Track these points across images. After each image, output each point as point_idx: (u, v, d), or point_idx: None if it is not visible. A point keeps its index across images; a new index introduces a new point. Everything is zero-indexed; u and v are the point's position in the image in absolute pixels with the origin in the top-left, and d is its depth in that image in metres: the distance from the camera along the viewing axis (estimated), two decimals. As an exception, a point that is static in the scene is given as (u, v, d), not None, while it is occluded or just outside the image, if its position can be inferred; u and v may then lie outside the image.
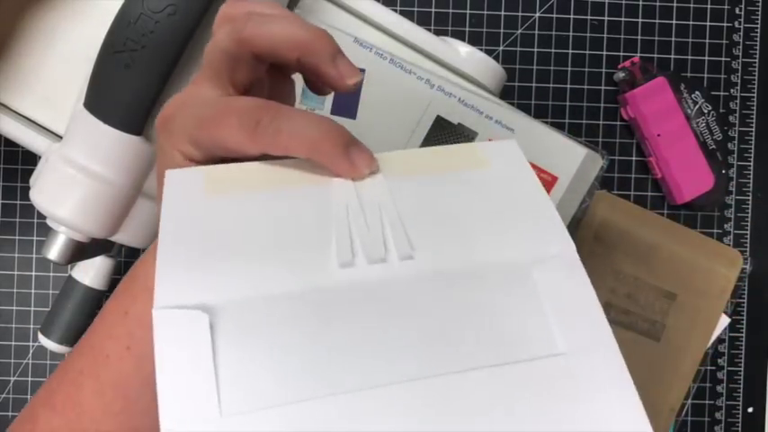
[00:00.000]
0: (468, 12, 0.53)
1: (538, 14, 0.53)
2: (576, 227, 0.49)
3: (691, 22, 0.54)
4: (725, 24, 0.54)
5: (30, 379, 0.52)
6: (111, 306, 0.29)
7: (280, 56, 0.24)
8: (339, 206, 0.23)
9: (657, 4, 0.53)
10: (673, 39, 0.54)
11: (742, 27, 0.54)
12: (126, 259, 0.52)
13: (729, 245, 0.54)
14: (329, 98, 0.41)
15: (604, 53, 0.53)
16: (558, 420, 0.18)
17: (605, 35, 0.53)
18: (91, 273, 0.45)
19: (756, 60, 0.54)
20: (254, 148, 0.22)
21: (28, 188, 0.37)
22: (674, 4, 0.54)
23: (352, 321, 0.19)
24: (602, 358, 0.19)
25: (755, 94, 0.54)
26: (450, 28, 0.53)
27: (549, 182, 0.41)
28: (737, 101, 0.54)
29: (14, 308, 0.52)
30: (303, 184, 0.24)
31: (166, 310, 0.19)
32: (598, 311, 0.21)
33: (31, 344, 0.52)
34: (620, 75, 0.52)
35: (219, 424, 0.17)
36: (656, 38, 0.54)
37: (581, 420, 0.18)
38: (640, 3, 0.53)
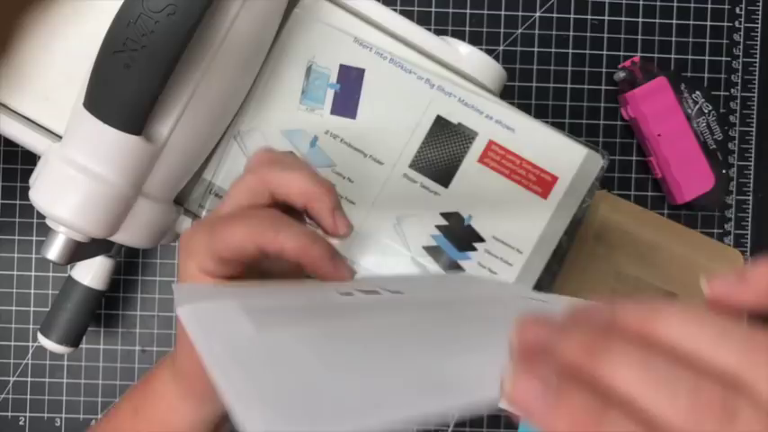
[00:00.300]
0: (468, 12, 0.53)
1: (538, 14, 0.53)
2: (576, 227, 0.49)
3: (691, 22, 0.54)
4: (725, 24, 0.54)
5: (29, 379, 0.52)
6: (123, 404, 0.34)
7: (290, 201, 0.29)
8: (336, 285, 0.26)
9: (658, 3, 0.53)
10: (673, 38, 0.54)
11: (742, 27, 0.54)
12: (126, 259, 0.52)
13: (730, 245, 0.54)
14: (329, 98, 0.41)
15: (604, 53, 0.53)
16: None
17: (605, 35, 0.53)
18: (90, 273, 0.45)
19: (757, 60, 0.54)
20: (253, 246, 0.26)
21: (28, 188, 0.37)
22: (675, 4, 0.53)
23: (348, 313, 0.22)
24: None
25: (756, 94, 0.54)
26: (450, 28, 0.53)
27: (549, 182, 0.41)
28: (738, 101, 0.54)
29: (14, 308, 0.52)
30: (300, 284, 0.28)
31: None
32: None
33: (30, 344, 0.52)
34: (621, 74, 0.52)
35: (257, 337, 0.19)
36: (657, 37, 0.54)
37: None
38: (641, 2, 0.53)
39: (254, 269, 0.29)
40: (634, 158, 0.54)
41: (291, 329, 0.20)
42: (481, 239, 0.41)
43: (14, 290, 0.52)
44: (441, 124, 0.41)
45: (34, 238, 0.52)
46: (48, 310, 0.46)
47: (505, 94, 0.51)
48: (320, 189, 0.28)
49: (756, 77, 0.54)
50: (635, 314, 0.18)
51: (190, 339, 0.25)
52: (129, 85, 0.32)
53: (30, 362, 0.52)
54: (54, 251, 0.38)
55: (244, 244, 0.26)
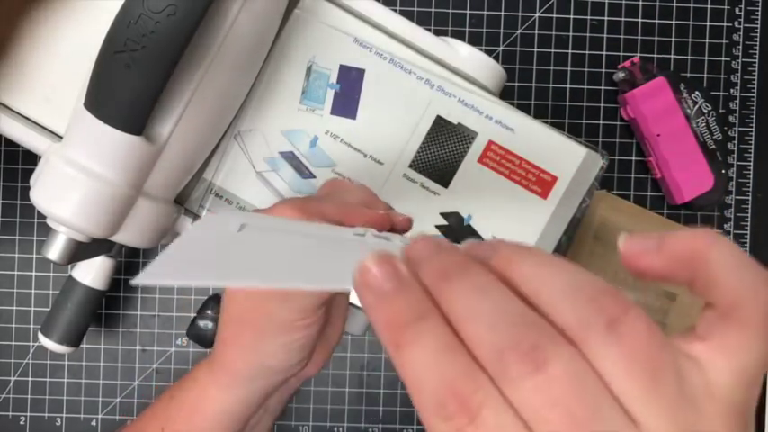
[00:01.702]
0: (468, 12, 0.53)
1: (538, 14, 0.53)
2: (576, 227, 0.49)
3: (690, 22, 0.54)
4: (725, 24, 0.54)
5: (30, 379, 0.52)
6: (163, 395, 0.36)
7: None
8: (357, 229, 0.29)
9: (657, 4, 0.53)
10: (673, 39, 0.54)
11: (742, 27, 0.54)
12: (126, 259, 0.52)
13: (729, 245, 0.54)
14: (329, 98, 0.41)
15: (604, 53, 0.53)
16: None
17: (605, 35, 0.53)
18: (91, 273, 0.45)
19: (756, 60, 0.54)
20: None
21: (28, 188, 0.37)
22: (674, 4, 0.54)
23: (339, 247, 0.25)
24: None
25: (755, 94, 0.54)
26: (450, 28, 0.53)
27: (548, 182, 0.41)
28: (737, 101, 0.54)
29: (14, 308, 0.52)
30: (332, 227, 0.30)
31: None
32: None
33: (31, 344, 0.52)
34: (620, 75, 0.52)
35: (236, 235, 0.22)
36: (656, 38, 0.54)
37: None
38: (640, 3, 0.53)
39: None
40: (633, 158, 0.54)
41: (258, 235, 0.23)
42: (481, 239, 0.41)
43: (15, 290, 0.52)
44: (440, 124, 0.41)
45: (35, 238, 0.52)
46: (48, 309, 0.46)
47: (505, 94, 0.51)
48: (342, 212, 0.31)
49: (756, 78, 0.54)
50: (505, 251, 0.19)
51: (224, 331, 0.33)
52: (130, 86, 0.32)
53: (30, 361, 0.52)
54: (55, 251, 0.38)
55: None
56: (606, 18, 0.53)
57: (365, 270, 0.18)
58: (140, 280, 0.17)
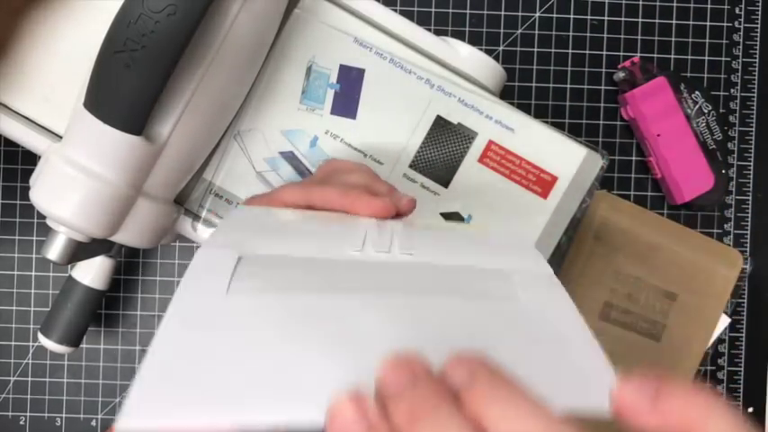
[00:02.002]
0: (468, 12, 0.53)
1: (538, 14, 0.53)
2: (576, 227, 0.49)
3: (691, 22, 0.54)
4: (725, 24, 0.54)
5: (30, 379, 0.52)
6: None
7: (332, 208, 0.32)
8: (360, 227, 0.28)
9: (657, 3, 0.53)
10: (673, 39, 0.54)
11: (742, 27, 0.54)
12: (126, 259, 0.52)
13: (729, 245, 0.54)
14: (329, 98, 0.41)
15: (604, 53, 0.53)
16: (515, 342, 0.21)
17: (605, 35, 0.53)
18: (91, 273, 0.45)
19: (756, 60, 0.54)
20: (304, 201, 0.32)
21: (28, 188, 0.37)
22: (674, 4, 0.54)
23: (351, 270, 0.24)
24: (559, 312, 0.23)
25: (755, 94, 0.54)
26: (450, 28, 0.53)
27: (548, 182, 0.41)
28: (737, 101, 0.54)
29: (14, 308, 0.52)
30: (337, 220, 0.30)
31: (207, 248, 0.24)
32: (562, 291, 0.24)
33: (30, 344, 0.52)
34: (620, 75, 0.52)
35: (225, 299, 0.21)
36: (656, 38, 0.54)
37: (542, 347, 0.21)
38: (640, 3, 0.53)
39: None
40: (634, 158, 0.54)
41: (253, 301, 0.22)
42: (481, 239, 0.41)
43: (15, 290, 0.52)
44: (440, 124, 0.41)
45: (35, 238, 0.52)
46: (48, 309, 0.46)
47: (505, 94, 0.51)
48: (347, 201, 0.31)
49: (756, 77, 0.54)
50: (480, 389, 0.18)
51: None
52: (130, 86, 0.32)
53: (30, 362, 0.52)
54: (54, 251, 0.38)
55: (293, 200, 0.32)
56: (606, 18, 0.53)
57: (336, 412, 0.18)
58: (122, 425, 0.17)
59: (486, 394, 0.18)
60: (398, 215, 0.32)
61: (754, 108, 0.54)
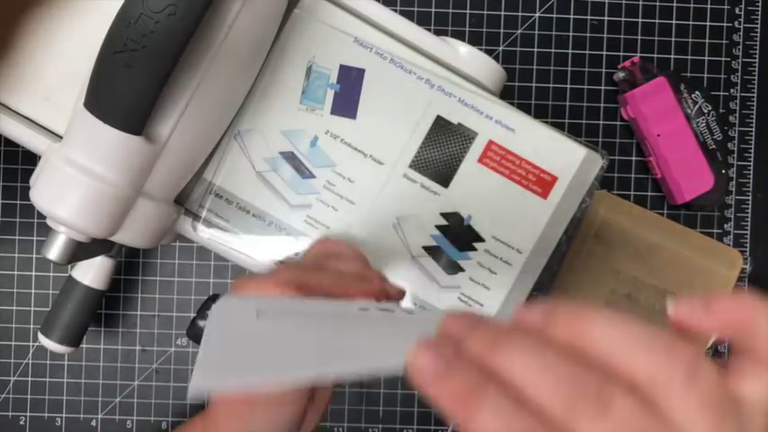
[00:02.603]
0: (468, 12, 0.53)
1: (538, 14, 0.53)
2: (576, 227, 0.49)
3: (691, 22, 0.54)
4: (725, 24, 0.54)
5: (30, 379, 0.52)
6: None
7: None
8: (360, 303, 0.31)
9: (657, 4, 0.53)
10: (673, 39, 0.54)
11: (742, 27, 0.54)
12: (126, 259, 0.52)
13: (729, 245, 0.54)
14: (329, 98, 0.41)
15: (604, 53, 0.53)
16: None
17: (605, 35, 0.53)
18: (91, 273, 0.45)
19: (756, 60, 0.54)
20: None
21: (28, 188, 0.37)
22: (674, 4, 0.54)
23: (357, 325, 0.26)
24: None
25: (755, 94, 0.54)
26: (450, 28, 0.53)
27: (548, 182, 0.41)
28: (737, 101, 0.54)
29: (14, 308, 0.52)
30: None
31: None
32: None
33: (31, 344, 0.52)
34: (620, 75, 0.52)
35: (255, 323, 0.24)
36: (656, 38, 0.54)
37: None
38: (640, 3, 0.53)
39: None
40: (634, 158, 0.54)
41: (281, 322, 0.24)
42: (481, 239, 0.41)
43: (15, 290, 0.52)
44: (441, 124, 0.41)
45: (35, 238, 0.52)
46: (48, 309, 0.46)
47: (505, 94, 0.51)
48: (340, 291, 0.32)
49: (756, 78, 0.54)
50: (564, 316, 0.20)
51: (218, 396, 0.33)
52: (130, 86, 0.32)
53: (30, 361, 0.52)
54: (54, 251, 0.38)
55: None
56: (606, 18, 0.53)
57: (415, 357, 0.20)
58: (195, 385, 0.20)
59: (577, 320, 0.20)
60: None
61: (754, 108, 0.54)
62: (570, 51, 0.53)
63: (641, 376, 0.18)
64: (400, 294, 0.35)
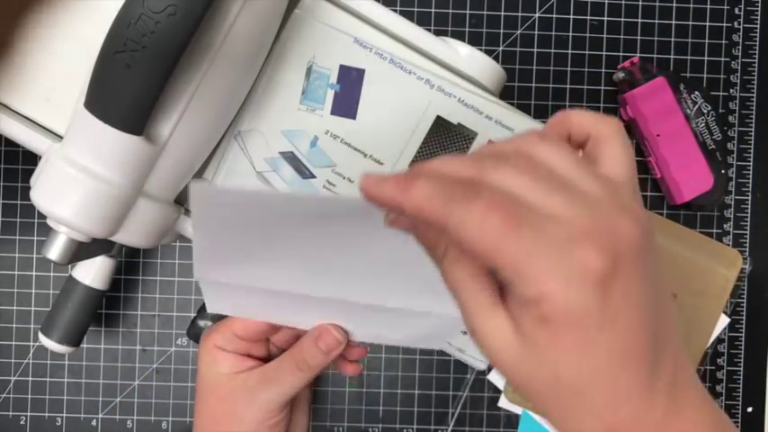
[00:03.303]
0: (468, 12, 0.53)
1: (538, 15, 0.53)
2: (575, 227, 0.49)
3: (690, 23, 0.54)
4: (724, 24, 0.54)
5: (30, 379, 0.52)
6: None
7: None
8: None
9: (657, 4, 0.53)
10: (672, 39, 0.54)
11: (741, 27, 0.54)
12: (126, 259, 0.53)
13: (729, 245, 0.54)
14: (329, 98, 0.41)
15: (604, 53, 0.54)
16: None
17: (605, 35, 0.54)
18: (91, 273, 0.45)
19: (756, 60, 0.54)
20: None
21: (28, 188, 0.37)
22: (674, 5, 0.54)
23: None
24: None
25: (755, 95, 0.54)
26: (450, 28, 0.53)
27: (548, 182, 0.41)
28: (737, 101, 0.54)
29: (15, 308, 0.52)
30: None
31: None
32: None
33: (31, 344, 0.52)
34: (620, 75, 0.52)
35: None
36: (656, 38, 0.54)
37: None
38: (640, 3, 0.53)
39: None
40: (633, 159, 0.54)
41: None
42: (481, 239, 0.41)
43: (15, 290, 0.52)
44: (440, 124, 0.41)
45: (35, 238, 0.52)
46: (49, 309, 0.47)
47: (505, 94, 0.51)
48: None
49: (755, 78, 0.54)
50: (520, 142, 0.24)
51: (199, 425, 0.39)
52: (130, 86, 0.32)
53: (31, 361, 0.52)
54: (55, 251, 0.38)
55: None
56: (606, 18, 0.53)
57: (364, 178, 0.23)
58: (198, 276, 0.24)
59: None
60: None
61: (754, 108, 0.54)
62: (570, 52, 0.53)
63: (516, 147, 0.24)
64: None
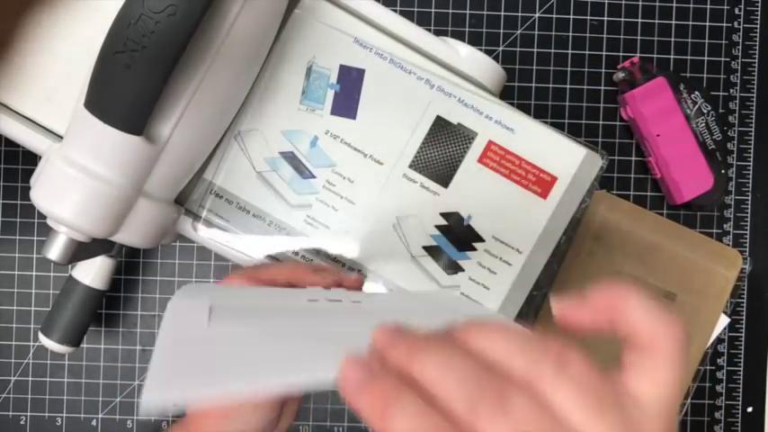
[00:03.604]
0: (468, 12, 0.53)
1: (538, 14, 0.53)
2: (575, 227, 0.49)
3: (690, 23, 0.54)
4: (724, 24, 0.54)
5: (30, 379, 0.52)
6: None
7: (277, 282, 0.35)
8: (310, 293, 0.32)
9: (657, 4, 0.53)
10: (672, 39, 0.54)
11: (741, 27, 0.54)
12: (126, 259, 0.53)
13: (729, 245, 0.54)
14: (329, 98, 0.41)
15: (604, 53, 0.54)
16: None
17: (605, 35, 0.54)
18: (91, 273, 0.45)
19: (756, 60, 0.54)
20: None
21: (28, 188, 0.37)
22: (674, 5, 0.54)
23: (306, 315, 0.27)
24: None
25: (755, 94, 0.54)
26: (450, 28, 0.53)
27: (548, 182, 0.41)
28: (737, 101, 0.54)
29: (15, 308, 0.52)
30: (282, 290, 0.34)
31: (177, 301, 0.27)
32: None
33: (31, 344, 0.52)
34: (620, 75, 0.52)
35: (207, 329, 0.24)
36: (656, 38, 0.54)
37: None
38: (640, 3, 0.53)
39: None
40: (633, 159, 0.54)
41: (232, 327, 0.25)
42: (481, 239, 0.41)
43: (15, 289, 0.52)
44: (440, 124, 0.41)
45: (35, 238, 0.52)
46: (49, 309, 0.47)
47: (505, 94, 0.51)
48: (293, 275, 0.34)
49: (755, 78, 0.54)
50: (464, 328, 0.22)
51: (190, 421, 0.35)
52: (130, 86, 0.32)
53: (31, 361, 0.52)
54: (55, 251, 0.38)
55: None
56: (606, 18, 0.53)
57: (343, 371, 0.21)
58: (147, 398, 0.19)
59: (471, 330, 0.22)
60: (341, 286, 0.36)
61: (754, 108, 0.54)
62: (570, 51, 0.53)
63: (527, 376, 0.20)
64: (357, 283, 0.36)
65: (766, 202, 0.54)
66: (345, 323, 0.27)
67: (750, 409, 0.54)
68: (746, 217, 0.54)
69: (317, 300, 0.30)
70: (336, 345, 0.23)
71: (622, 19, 0.53)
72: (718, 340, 0.53)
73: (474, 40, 0.53)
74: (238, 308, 0.27)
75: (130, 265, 0.53)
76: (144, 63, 0.32)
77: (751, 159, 0.54)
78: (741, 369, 0.54)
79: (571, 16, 0.53)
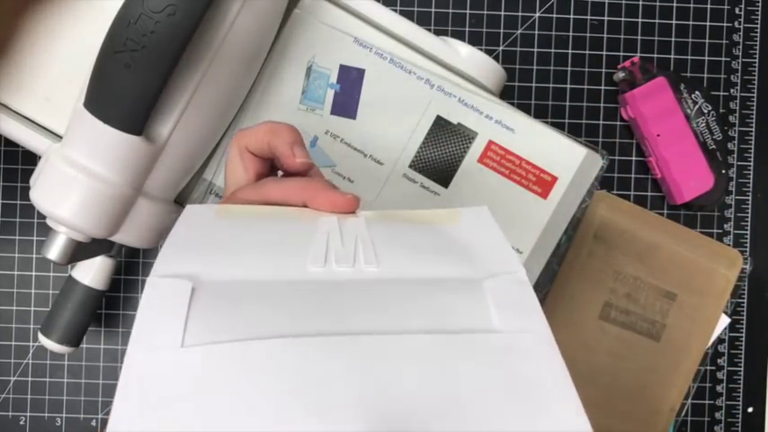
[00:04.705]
0: (468, 12, 0.53)
1: (538, 14, 0.53)
2: (575, 227, 0.49)
3: (691, 22, 0.54)
4: (725, 24, 0.54)
5: (30, 379, 0.52)
6: None
7: (260, 149, 0.33)
8: (321, 232, 0.27)
9: (657, 4, 0.53)
10: (673, 39, 0.54)
11: (742, 27, 0.54)
12: (126, 259, 0.52)
13: (729, 245, 0.54)
14: (329, 98, 0.41)
15: (604, 53, 0.53)
16: (490, 386, 0.19)
17: (605, 35, 0.53)
18: (91, 273, 0.45)
19: (756, 60, 0.54)
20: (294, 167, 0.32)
21: (28, 188, 0.37)
22: (674, 4, 0.54)
23: (312, 297, 0.22)
24: (535, 340, 0.21)
25: (755, 94, 0.54)
26: (450, 28, 0.53)
27: (548, 182, 0.41)
28: (737, 101, 0.54)
29: (14, 308, 0.52)
30: (296, 218, 0.29)
31: (158, 277, 0.22)
32: (539, 312, 0.22)
33: (31, 344, 0.52)
34: (620, 75, 0.52)
35: (179, 352, 0.20)
36: (656, 38, 0.54)
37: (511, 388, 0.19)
38: (640, 3, 0.53)
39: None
40: (633, 158, 0.54)
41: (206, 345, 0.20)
42: (481, 239, 0.41)
43: (15, 290, 0.52)
44: (440, 124, 0.41)
45: (35, 238, 0.52)
46: (48, 309, 0.46)
47: (505, 94, 0.51)
48: (273, 129, 0.32)
49: (756, 78, 0.54)
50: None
51: None
52: (130, 86, 0.32)
53: (30, 362, 0.52)
54: (55, 251, 0.38)
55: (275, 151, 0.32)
56: (606, 18, 0.53)
57: None
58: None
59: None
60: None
61: (754, 108, 0.54)
62: (570, 51, 0.53)
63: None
64: (351, 204, 0.30)
65: (767, 203, 0.54)
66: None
67: (750, 410, 0.54)
68: (747, 217, 0.54)
69: (324, 266, 0.24)
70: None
71: (623, 19, 0.53)
72: (719, 340, 0.53)
73: (474, 40, 0.53)
74: (221, 295, 0.22)
75: (130, 265, 0.53)
76: (144, 63, 0.32)
77: (752, 159, 0.54)
78: (741, 369, 0.54)
79: (571, 16, 0.53)
